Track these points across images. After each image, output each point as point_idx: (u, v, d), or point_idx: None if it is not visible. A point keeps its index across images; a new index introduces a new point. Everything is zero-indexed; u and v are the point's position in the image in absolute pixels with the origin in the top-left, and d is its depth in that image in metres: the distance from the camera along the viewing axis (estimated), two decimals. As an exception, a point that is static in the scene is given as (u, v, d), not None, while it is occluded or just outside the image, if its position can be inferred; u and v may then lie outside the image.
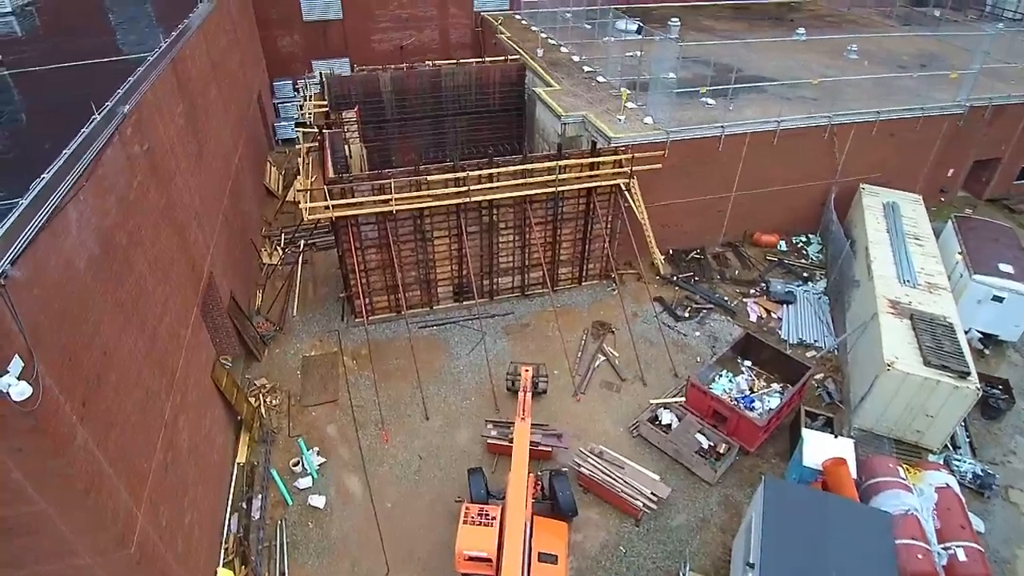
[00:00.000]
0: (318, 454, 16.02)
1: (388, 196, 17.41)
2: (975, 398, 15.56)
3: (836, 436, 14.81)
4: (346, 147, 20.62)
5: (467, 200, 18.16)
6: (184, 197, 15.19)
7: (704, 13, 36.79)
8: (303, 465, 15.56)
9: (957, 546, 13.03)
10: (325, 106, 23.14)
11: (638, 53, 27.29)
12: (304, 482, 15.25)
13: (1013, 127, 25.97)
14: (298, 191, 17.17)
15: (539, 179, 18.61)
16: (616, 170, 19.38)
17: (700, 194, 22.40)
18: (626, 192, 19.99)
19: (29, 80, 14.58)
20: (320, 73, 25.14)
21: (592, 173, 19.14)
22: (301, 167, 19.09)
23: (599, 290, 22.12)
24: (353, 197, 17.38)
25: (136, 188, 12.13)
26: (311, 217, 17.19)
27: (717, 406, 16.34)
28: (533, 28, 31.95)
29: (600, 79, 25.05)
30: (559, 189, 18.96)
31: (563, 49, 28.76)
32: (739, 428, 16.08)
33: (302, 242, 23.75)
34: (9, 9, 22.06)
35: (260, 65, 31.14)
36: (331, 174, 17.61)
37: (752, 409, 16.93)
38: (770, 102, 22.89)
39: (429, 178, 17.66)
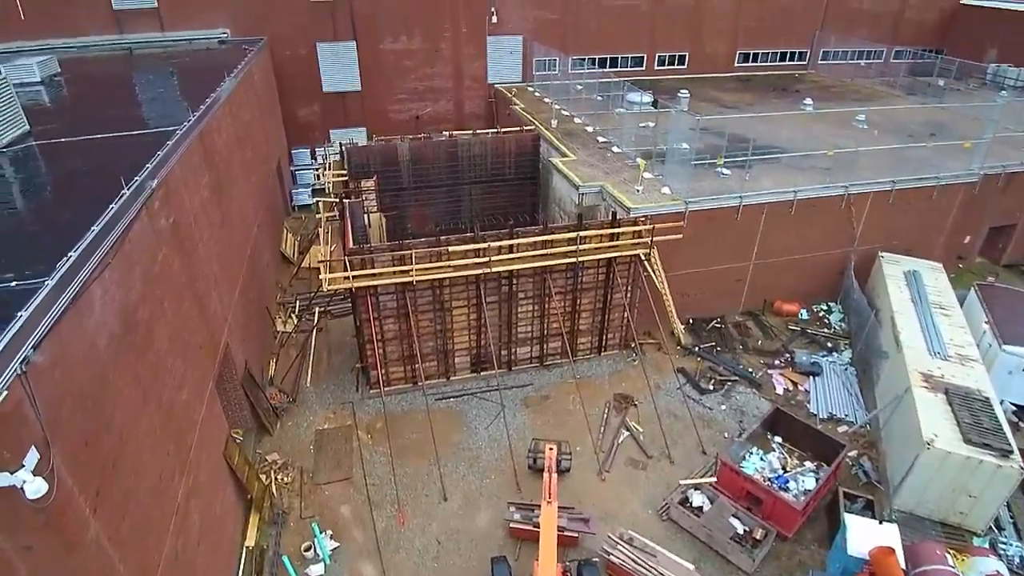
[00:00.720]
0: (331, 538, 15.19)
1: (408, 267, 17.27)
2: (1019, 478, 14.79)
3: (880, 521, 13.96)
4: (365, 216, 20.70)
5: (488, 271, 18.00)
6: (205, 267, 15.08)
7: (710, 85, 37.85)
8: (315, 550, 14.72)
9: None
10: (344, 175, 23.41)
11: (651, 124, 28.03)
12: (316, 569, 14.37)
13: (1026, 195, 26.06)
14: (319, 261, 17.05)
15: (559, 250, 18.51)
16: (636, 241, 19.28)
17: (719, 263, 22.24)
18: (646, 262, 19.83)
19: (58, 151, 14.71)
20: (340, 143, 25.59)
21: (612, 244, 19.03)
22: (321, 235, 19.09)
23: (619, 360, 21.64)
24: (373, 267, 17.24)
25: (161, 261, 12.00)
26: (331, 287, 17.01)
27: (751, 487, 15.56)
28: (546, 100, 32.81)
29: (615, 149, 25.43)
30: (579, 260, 18.82)
31: (577, 120, 29.40)
32: (775, 511, 15.24)
33: (317, 310, 23.53)
34: (38, 79, 22.81)
35: (280, 133, 31.93)
36: (351, 244, 17.53)
37: (786, 490, 16.13)
38: (785, 172, 23.08)
39: (450, 249, 17.55)
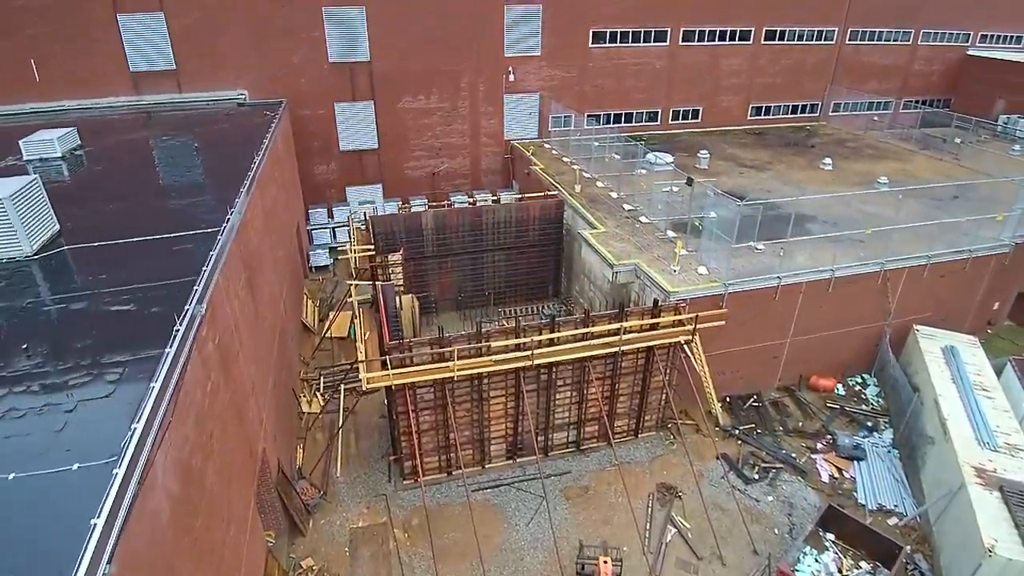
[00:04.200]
0: (375, 661, 14.40)
1: (449, 363, 16.74)
2: (1094, 589, 14.24)
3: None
4: (397, 299, 20.22)
5: (529, 364, 17.49)
6: (244, 374, 14.51)
7: (726, 140, 37.97)
8: None
9: None
10: (371, 249, 22.97)
11: (675, 188, 27.83)
12: None
13: (1057, 263, 25.88)
14: (359, 362, 16.50)
15: (600, 341, 18.04)
16: (678, 328, 18.84)
17: (756, 341, 21.84)
18: (686, 347, 19.38)
19: (91, 261, 14.01)
20: (365, 214, 25.23)
21: (653, 332, 18.58)
22: (357, 328, 18.55)
23: (656, 443, 21.05)
24: (412, 364, 16.70)
25: (210, 393, 11.43)
26: (370, 387, 16.42)
27: (812, 600, 14.92)
28: (565, 159, 32.69)
29: (643, 219, 25.15)
30: (621, 349, 18.36)
31: (600, 184, 29.19)
32: (840, 627, 14.58)
33: (342, 387, 22.87)
34: (59, 154, 22.40)
35: (298, 194, 31.59)
36: (388, 339, 16.98)
37: (846, 598, 15.49)
38: (818, 245, 22.79)
39: (492, 344, 17.06)
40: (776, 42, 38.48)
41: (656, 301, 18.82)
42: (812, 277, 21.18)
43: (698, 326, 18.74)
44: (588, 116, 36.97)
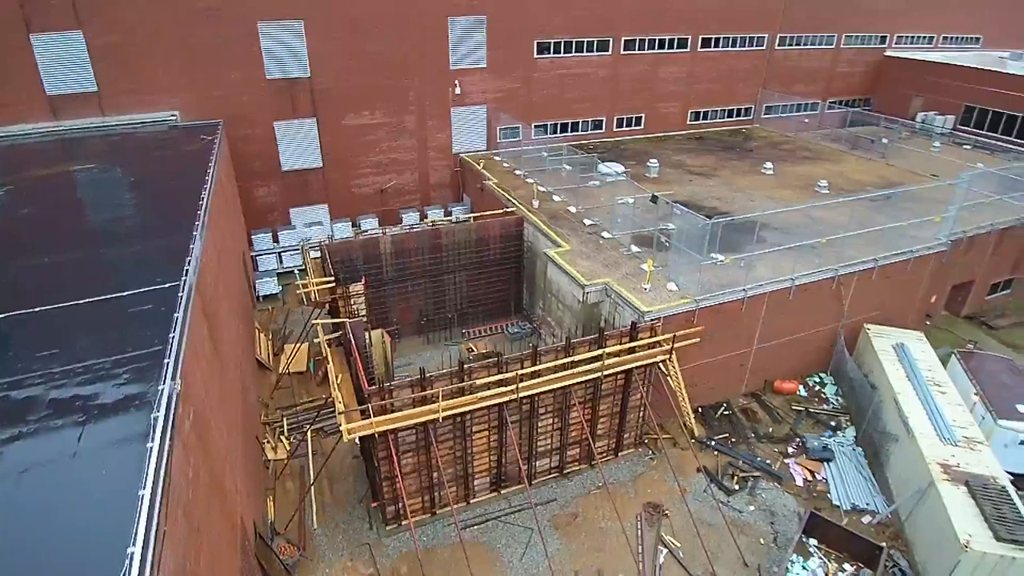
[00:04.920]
0: None
1: (433, 404, 16.10)
2: (1057, 575, 15.30)
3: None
4: (367, 336, 19.31)
5: (514, 398, 17.09)
6: (218, 441, 13.38)
7: (669, 146, 38.76)
8: None
9: None
10: (332, 281, 21.87)
11: (630, 200, 28.04)
12: None
13: (983, 253, 27.85)
14: (339, 413, 15.55)
15: (582, 368, 17.84)
16: (656, 348, 18.90)
17: (724, 352, 22.28)
18: (662, 366, 19.50)
19: (30, 331, 12.35)
20: (321, 244, 24.02)
21: (632, 356, 18.56)
22: (330, 370, 17.53)
23: (637, 461, 21.13)
24: (393, 409, 15.93)
25: (192, 479, 10.39)
26: (350, 436, 15.54)
27: (809, 612, 15.30)
28: (517, 172, 32.40)
29: (605, 235, 25.19)
30: (603, 375, 18.25)
31: (556, 198, 29.06)
32: (836, 636, 15.03)
33: (308, 428, 21.71)
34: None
35: (241, 221, 29.81)
36: (366, 384, 16.13)
37: (837, 604, 16.00)
38: (776, 255, 23.47)
39: (477, 382, 16.53)
40: (711, 49, 39.57)
41: (634, 324, 18.80)
42: (775, 287, 21.80)
43: (676, 346, 18.88)
44: (535, 127, 36.84)
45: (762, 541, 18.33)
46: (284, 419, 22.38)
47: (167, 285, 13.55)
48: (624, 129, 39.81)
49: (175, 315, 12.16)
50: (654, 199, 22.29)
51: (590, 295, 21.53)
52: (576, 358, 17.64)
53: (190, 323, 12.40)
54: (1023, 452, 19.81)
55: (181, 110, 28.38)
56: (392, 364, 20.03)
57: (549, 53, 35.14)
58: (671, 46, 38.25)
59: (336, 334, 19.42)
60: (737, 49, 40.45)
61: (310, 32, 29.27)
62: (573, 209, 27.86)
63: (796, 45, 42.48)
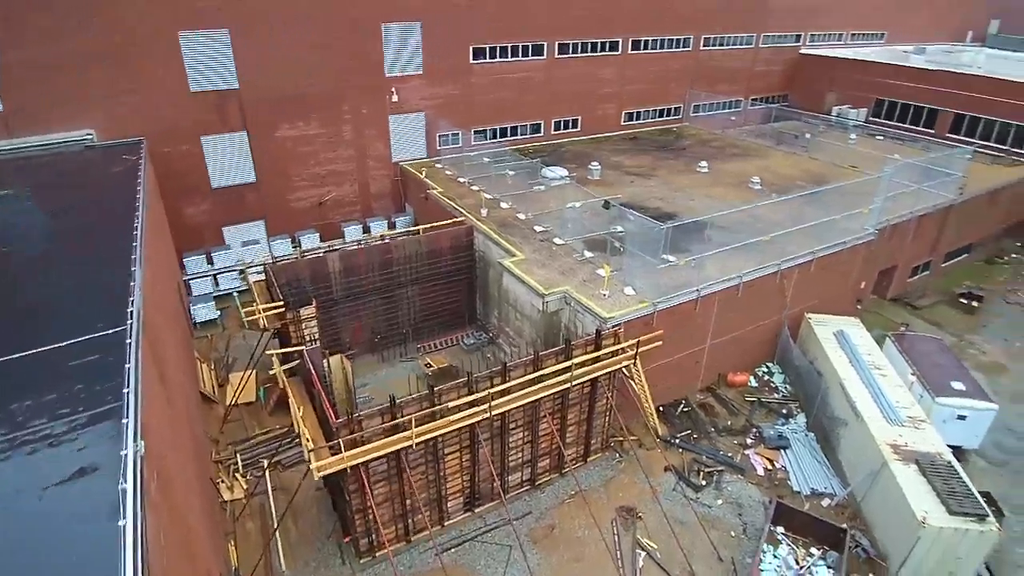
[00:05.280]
0: None
1: (405, 431, 15.60)
2: (997, 537, 16.54)
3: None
4: (325, 363, 18.47)
5: (487, 416, 16.80)
6: (181, 496, 12.40)
7: (606, 147, 39.39)
8: None
9: None
10: (281, 306, 20.81)
11: (576, 205, 28.25)
12: None
13: (904, 239, 29.83)
14: (308, 451, 14.74)
15: (551, 382, 17.77)
16: (621, 355, 19.08)
17: (680, 352, 22.82)
18: (626, 370, 19.73)
19: None
20: (265, 266, 22.83)
21: (598, 364, 18.66)
22: (291, 403, 16.63)
23: (606, 465, 21.31)
24: (364, 442, 15.30)
25: (164, 547, 9.52)
26: (322, 474, 14.82)
27: (786, 601, 15.88)
28: (461, 180, 32.01)
29: (558, 240, 25.23)
30: (572, 385, 18.25)
31: (504, 204, 28.90)
32: (812, 621, 15.67)
33: (266, 463, 20.61)
34: None
35: (171, 245, 27.91)
36: (333, 417, 15.40)
37: (809, 589, 16.70)
38: (722, 253, 24.20)
39: (449, 404, 16.14)
40: (642, 51, 40.48)
41: (599, 331, 18.90)
42: (725, 285, 22.50)
43: (640, 350, 19.14)
44: (475, 132, 36.55)
45: (732, 534, 18.90)
46: (238, 455, 21.13)
47: (111, 331, 12.40)
48: (562, 132, 40.14)
49: (127, 366, 11.13)
50: (607, 205, 22.50)
51: (550, 304, 21.51)
52: (546, 371, 17.55)
53: (142, 374, 11.39)
54: (960, 426, 21.33)
55: (98, 129, 26.23)
56: (355, 390, 19.26)
57: (485, 58, 34.90)
58: (603, 49, 38.86)
59: (293, 363, 18.48)
60: (665, 51, 41.57)
61: (237, 41, 27.76)
62: (522, 216, 27.78)
63: (719, 46, 44.13)
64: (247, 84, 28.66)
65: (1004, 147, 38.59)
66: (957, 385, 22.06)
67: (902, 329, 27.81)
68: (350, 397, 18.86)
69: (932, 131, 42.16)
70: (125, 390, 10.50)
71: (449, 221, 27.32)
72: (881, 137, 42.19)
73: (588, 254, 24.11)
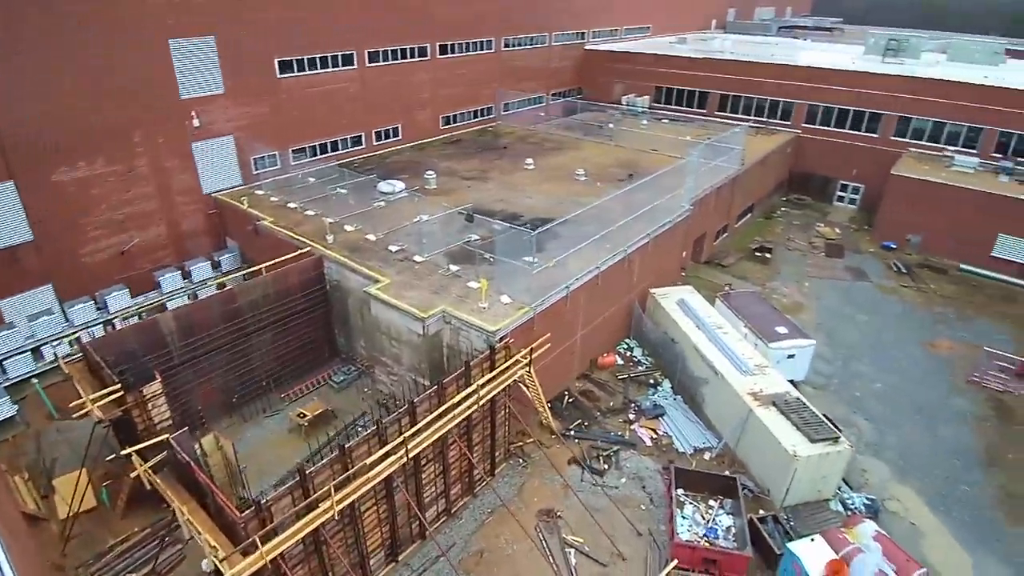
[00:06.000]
0: None
1: (323, 502, 14.10)
2: (850, 453, 19.97)
3: (812, 538, 17.30)
4: (197, 448, 15.90)
5: (405, 461, 15.86)
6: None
7: (432, 154, 39.16)
8: None
9: (916, 576, 16.68)
10: (119, 390, 17.38)
11: (424, 217, 27.77)
12: None
13: (708, 209, 34.13)
14: (220, 561, 12.46)
15: (458, 410, 17.31)
16: (515, 366, 19.23)
17: (558, 347, 23.63)
18: (522, 378, 20.00)
19: None
20: (78, 341, 18.85)
21: (497, 380, 18.61)
22: (174, 508, 13.96)
23: (514, 473, 21.46)
24: (275, 527, 13.49)
25: None
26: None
27: (707, 555, 17.53)
28: (291, 205, 29.54)
29: (418, 258, 24.51)
30: (480, 406, 17.99)
31: (348, 227, 27.28)
32: (730, 565, 17.49)
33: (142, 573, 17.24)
34: None
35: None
36: (235, 512, 13.30)
37: (718, 537, 18.58)
38: (578, 248, 25.53)
39: (368, 460, 14.90)
40: (450, 55, 40.70)
41: (492, 347, 18.82)
42: (588, 278, 23.79)
43: (531, 355, 19.48)
44: (293, 151, 33.92)
45: (643, 507, 20.27)
46: (93, 577, 17.39)
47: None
48: (384, 142, 38.96)
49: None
50: (470, 218, 22.36)
51: (431, 327, 20.89)
52: (454, 400, 17.05)
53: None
54: (790, 364, 25.13)
55: None
56: (240, 469, 16.85)
57: (294, 71, 32.38)
58: (413, 55, 38.33)
59: (160, 456, 15.60)
60: (472, 54, 42.31)
61: (-20, 71, 22.30)
62: (372, 237, 26.48)
63: (519, 46, 46.08)
64: (8, 122, 23.20)
65: (763, 119, 45.97)
66: (781, 329, 25.96)
67: (726, 288, 31.92)
68: (237, 478, 16.57)
69: (704, 111, 48.70)
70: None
71: (295, 254, 25.07)
72: (667, 121, 47.64)
73: (453, 268, 23.83)
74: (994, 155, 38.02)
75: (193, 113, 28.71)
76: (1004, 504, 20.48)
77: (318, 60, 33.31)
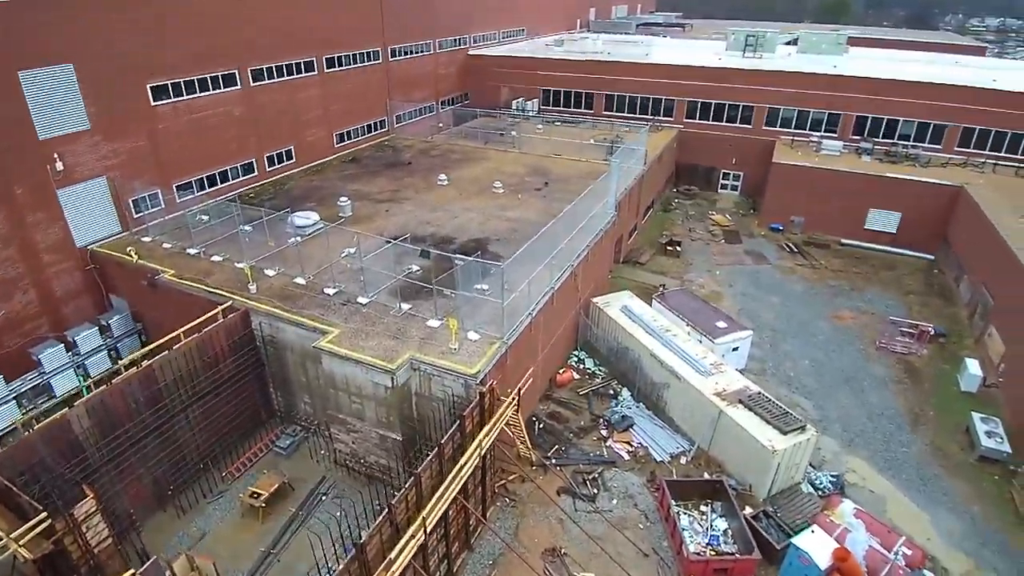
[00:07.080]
0: None
1: (352, 610, 12.33)
2: (816, 439, 21.26)
3: (812, 529, 18.15)
4: (168, 571, 13.23)
5: (421, 543, 14.35)
6: None
7: (332, 176, 36.48)
8: None
9: (900, 547, 18.14)
10: (45, 522, 13.99)
11: (352, 250, 25.56)
12: None
13: (624, 210, 34.94)
14: None
15: (463, 466, 16.06)
16: (503, 408, 18.23)
17: (524, 374, 22.87)
18: (511, 417, 19.04)
19: None
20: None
21: (490, 427, 17.52)
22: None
23: (504, 515, 20.45)
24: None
25: None
26: None
27: (719, 565, 17.80)
28: (191, 251, 25.90)
29: (362, 300, 22.45)
30: (481, 456, 16.81)
31: (269, 272, 24.39)
32: (742, 570, 17.92)
33: None
34: None
35: None
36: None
37: (719, 543, 18.98)
38: (530, 270, 24.78)
39: (391, 555, 13.22)
40: (337, 68, 37.97)
41: (482, 395, 17.63)
42: (545, 299, 23.22)
43: (519, 395, 18.58)
44: (178, 187, 29.79)
45: (640, 525, 20.22)
46: None
47: None
48: (277, 167, 35.54)
49: None
50: (426, 254, 20.76)
51: (400, 377, 19.18)
52: (461, 462, 15.74)
53: None
54: (734, 356, 26.40)
55: None
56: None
57: (170, 97, 28.30)
58: (299, 71, 35.23)
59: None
60: (360, 65, 39.81)
61: None
62: (301, 280, 23.87)
63: (406, 55, 44.15)
64: None
65: (648, 116, 48.03)
66: (720, 324, 27.18)
67: (660, 289, 32.85)
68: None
69: (592, 111, 49.94)
70: None
71: (216, 311, 21.86)
72: (559, 123, 48.23)
73: (405, 306, 22.11)
74: (853, 137, 42.74)
75: (55, 155, 24.04)
76: (937, 458, 23.01)
77: (197, 82, 29.41)
